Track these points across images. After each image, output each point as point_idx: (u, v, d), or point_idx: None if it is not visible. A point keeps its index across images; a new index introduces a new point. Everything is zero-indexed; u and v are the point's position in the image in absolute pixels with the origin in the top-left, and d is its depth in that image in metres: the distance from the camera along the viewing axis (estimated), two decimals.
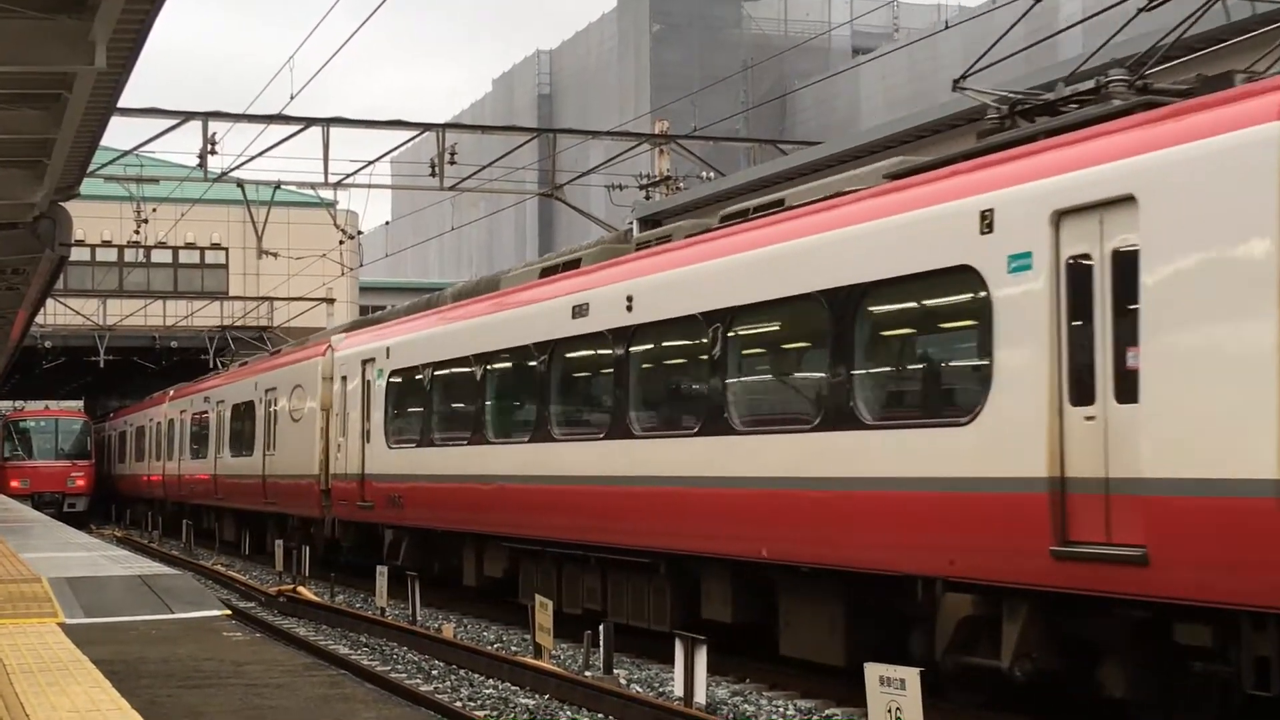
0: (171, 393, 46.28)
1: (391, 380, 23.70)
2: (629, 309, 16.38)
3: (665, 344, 16.00)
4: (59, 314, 51.44)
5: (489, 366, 20.05)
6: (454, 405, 21.43)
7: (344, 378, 26.11)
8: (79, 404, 79.64)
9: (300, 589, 24.47)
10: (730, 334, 14.65)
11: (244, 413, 34.34)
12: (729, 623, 14.93)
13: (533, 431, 18.47)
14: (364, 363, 25.04)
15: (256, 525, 34.25)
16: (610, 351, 16.79)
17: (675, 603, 15.84)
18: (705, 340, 14.96)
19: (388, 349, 24.05)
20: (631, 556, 16.20)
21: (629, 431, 16.23)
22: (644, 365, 16.44)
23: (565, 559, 18.04)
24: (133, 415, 55.46)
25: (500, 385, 19.97)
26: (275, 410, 31.07)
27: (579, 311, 17.51)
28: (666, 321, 15.77)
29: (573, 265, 19.02)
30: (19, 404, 77.78)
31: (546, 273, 19.79)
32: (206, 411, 38.92)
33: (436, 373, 21.88)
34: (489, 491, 19.54)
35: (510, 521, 19.04)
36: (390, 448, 23.50)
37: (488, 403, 20.06)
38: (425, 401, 22.16)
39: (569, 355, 18.00)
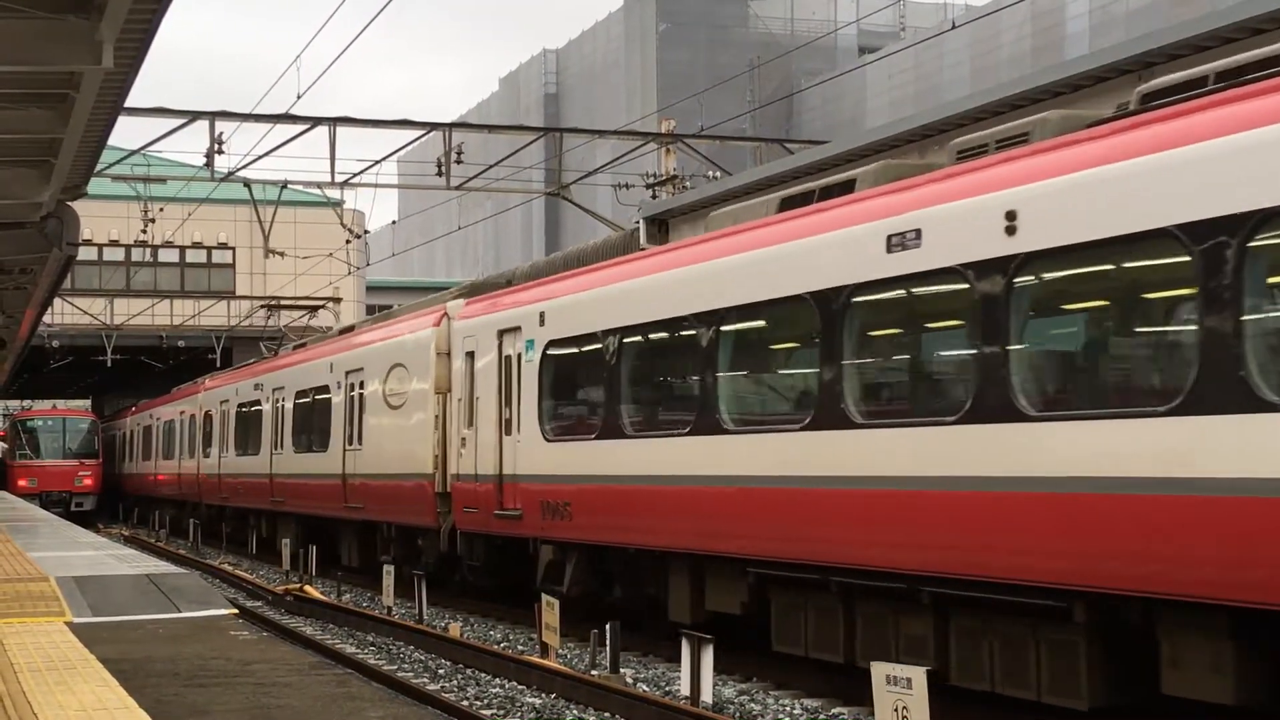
0: (208, 382, 41.52)
1: (550, 354, 18.52)
2: (1010, 230, 11.26)
3: (1079, 278, 11.00)
4: (66, 313, 51.53)
5: (727, 327, 14.84)
6: (661, 384, 16.46)
7: (470, 354, 20.99)
8: (86, 403, 79.77)
9: (307, 588, 24.49)
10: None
11: (314, 401, 29.10)
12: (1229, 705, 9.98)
13: (814, 414, 13.31)
14: (502, 334, 19.93)
15: (325, 533, 29.01)
16: (965, 293, 11.63)
17: (1100, 668, 10.91)
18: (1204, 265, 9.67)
19: (541, 314, 18.73)
20: (1012, 594, 11.19)
21: (1014, 411, 11.11)
22: (1038, 311, 11.34)
23: (861, 593, 13.14)
24: (156, 409, 50.37)
25: (746, 352, 14.89)
26: (361, 396, 25.90)
27: (900, 242, 12.46)
28: (1091, 246, 10.57)
29: (845, 188, 14.18)
30: (26, 403, 77.93)
31: (791, 204, 14.98)
32: (258, 402, 33.69)
33: (628, 341, 16.68)
34: (725, 497, 14.59)
35: (761, 535, 14.07)
36: (549, 440, 18.37)
37: (722, 377, 14.89)
38: (608, 380, 16.89)
39: (879, 303, 12.84)
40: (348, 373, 26.83)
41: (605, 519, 16.89)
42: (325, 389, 28.34)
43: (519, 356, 19.26)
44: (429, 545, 22.91)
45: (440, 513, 22.10)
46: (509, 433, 19.48)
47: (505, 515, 19.41)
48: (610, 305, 17.05)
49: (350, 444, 26.47)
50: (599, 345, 17.19)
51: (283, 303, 44.26)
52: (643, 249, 17.92)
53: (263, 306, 46.05)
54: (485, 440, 20.21)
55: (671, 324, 15.76)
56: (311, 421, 29.13)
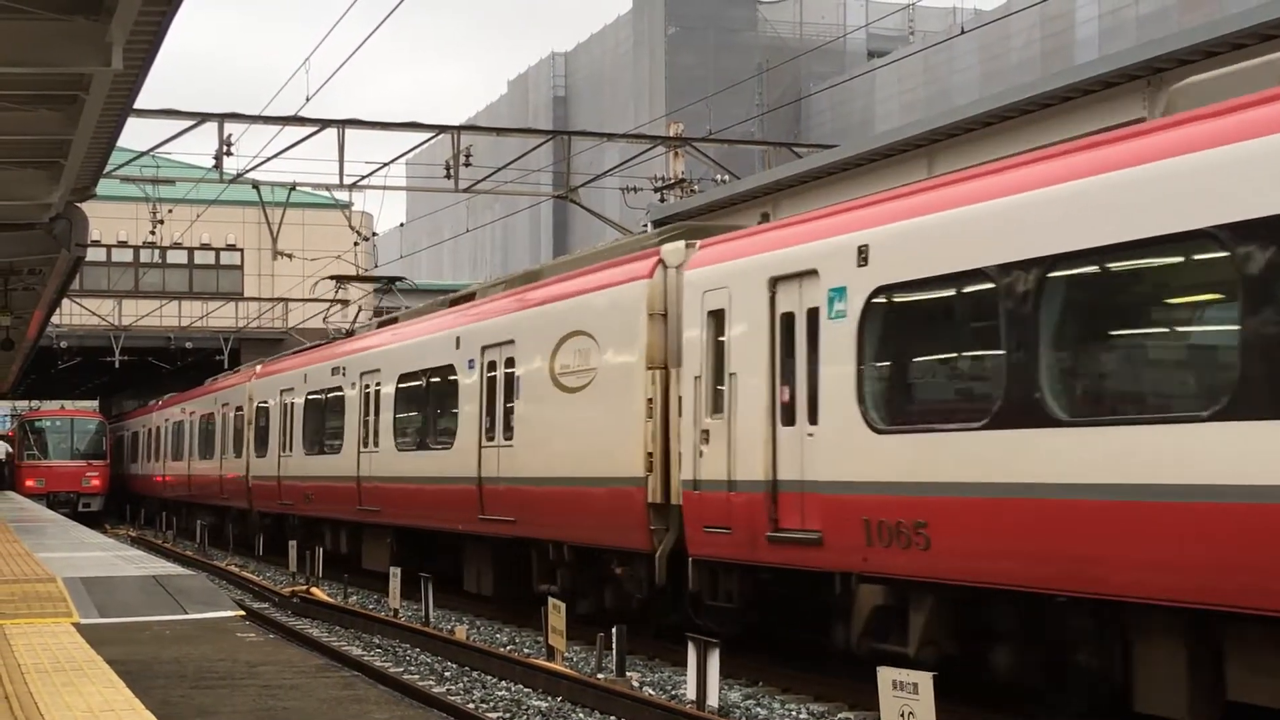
0: (260, 369, 35.93)
1: (881, 305, 13.01)
2: None
3: None
4: (75, 314, 51.61)
5: None
6: (1147, 339, 10.82)
7: (715, 313, 15.28)
8: (94, 404, 79.87)
9: (314, 590, 24.49)
10: None
11: (428, 385, 23.51)
12: None
13: None
14: (777, 283, 14.31)
15: (439, 552, 23.73)
16: None
17: None
18: None
19: (861, 249, 13.19)
20: None
21: None
22: None
23: None
24: (188, 403, 45.32)
25: None
26: (510, 377, 20.27)
27: None
28: None
29: None
30: (34, 404, 78.03)
31: None
32: (338, 389, 27.98)
33: (1078, 273, 11.03)
34: None
35: None
36: (880, 431, 12.84)
37: None
38: (1019, 337, 11.35)
39: None
40: (485, 348, 21.02)
41: (1002, 546, 11.41)
42: (447, 370, 22.44)
43: (814, 313, 13.70)
44: (634, 575, 16.97)
45: (656, 531, 16.19)
46: (790, 422, 14.00)
47: (788, 539, 13.84)
48: (1039, 221, 11.23)
49: (490, 439, 20.64)
50: (1000, 284, 11.46)
51: (342, 280, 38.30)
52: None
53: (331, 278, 39.38)
54: (746, 433, 14.54)
55: (1184, 241, 10.10)
56: (424, 411, 23.60)
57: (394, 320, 27.36)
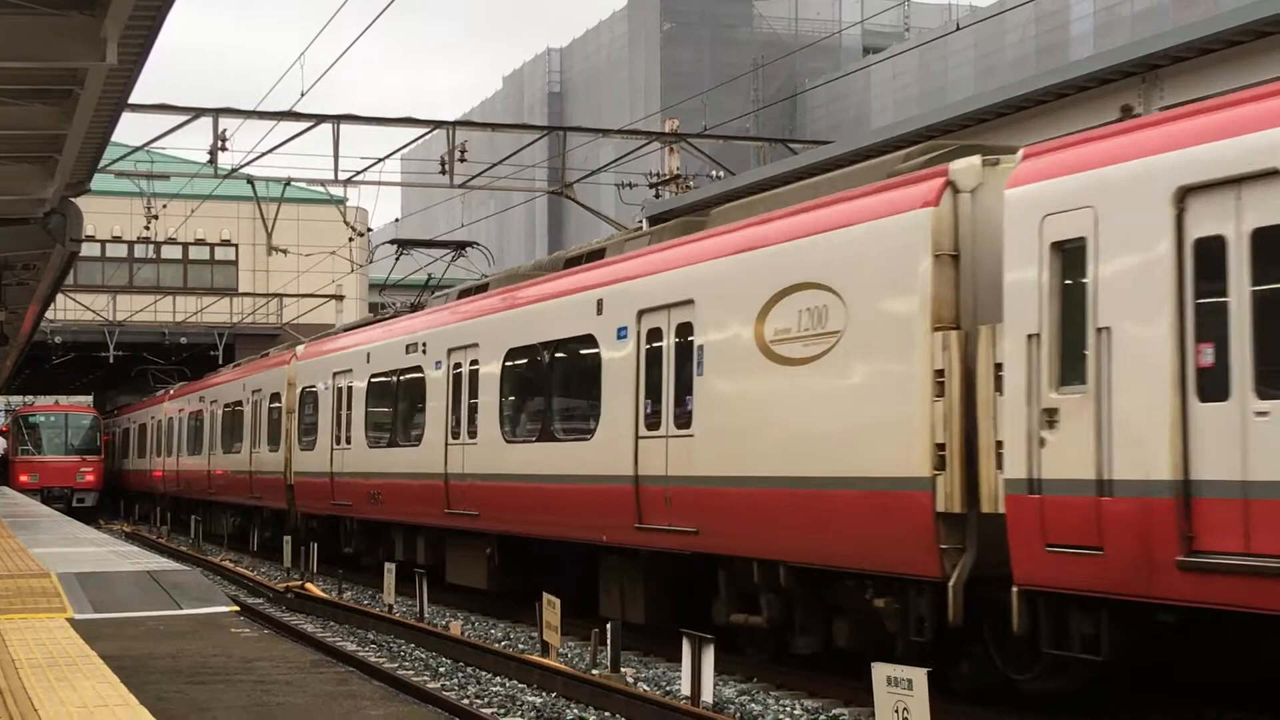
0: (302, 350, 31.17)
1: None
2: None
3: None
4: (69, 309, 51.56)
5: None
6: None
7: (1061, 245, 11.07)
8: (88, 399, 79.83)
9: (308, 585, 24.49)
10: None
11: (549, 363, 19.08)
12: None
13: None
14: (1185, 195, 10.17)
15: (561, 564, 19.48)
16: None
17: None
18: None
19: None
20: None
21: None
22: None
23: None
24: (208, 390, 40.93)
25: None
26: (688, 347, 15.67)
27: None
28: None
29: None
30: (29, 399, 77.98)
31: None
32: (416, 370, 23.42)
33: None
34: None
35: None
36: None
37: None
38: None
39: None
40: (644, 312, 16.53)
41: None
42: (583, 342, 18.01)
43: (1268, 235, 9.60)
44: (902, 608, 12.86)
45: (947, 551, 11.99)
46: (1217, 395, 9.82)
47: (1222, 565, 9.66)
48: None
49: (653, 427, 16.21)
50: None
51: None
52: None
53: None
54: (1133, 412, 10.39)
55: None
56: (545, 394, 19.21)
57: (481, 288, 22.56)
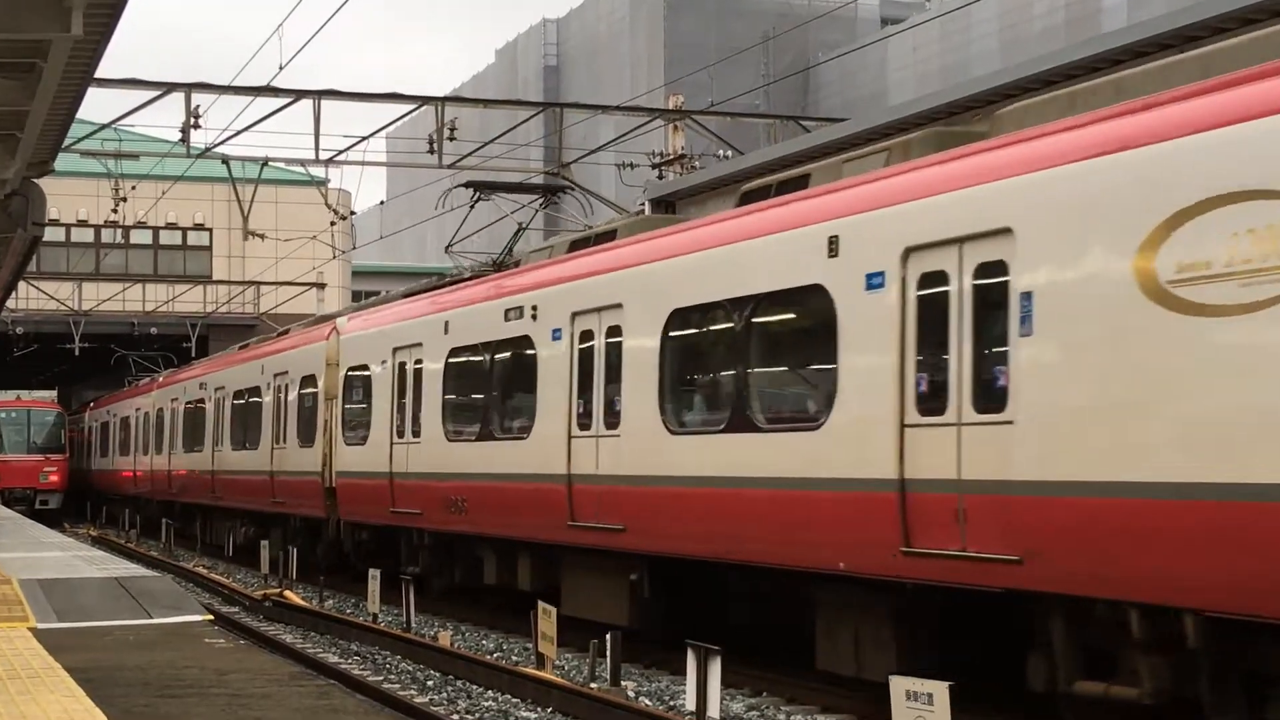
0: (347, 322, 26.91)
1: None
2: None
3: None
4: (31, 298, 51.60)
5: None
6: None
7: None
8: (52, 394, 79.89)
9: (287, 593, 24.50)
10: None
11: (745, 328, 14.83)
12: None
13: None
14: None
15: (711, 587, 16.53)
16: None
17: None
18: None
19: None
20: None
21: None
22: None
23: None
24: (201, 379, 37.77)
25: None
26: (994, 296, 11.78)
27: None
28: None
29: None
30: None
31: None
32: (514, 341, 19.53)
33: None
34: None
35: None
36: None
37: None
38: None
39: None
40: (914, 249, 12.54)
41: None
42: (806, 294, 13.84)
43: None
44: None
45: None
46: None
47: None
48: None
49: (932, 409, 12.27)
50: None
51: None
52: None
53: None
54: None
55: None
56: (738, 367, 14.90)
57: (606, 235, 19.00)
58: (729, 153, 32.28)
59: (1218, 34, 17.42)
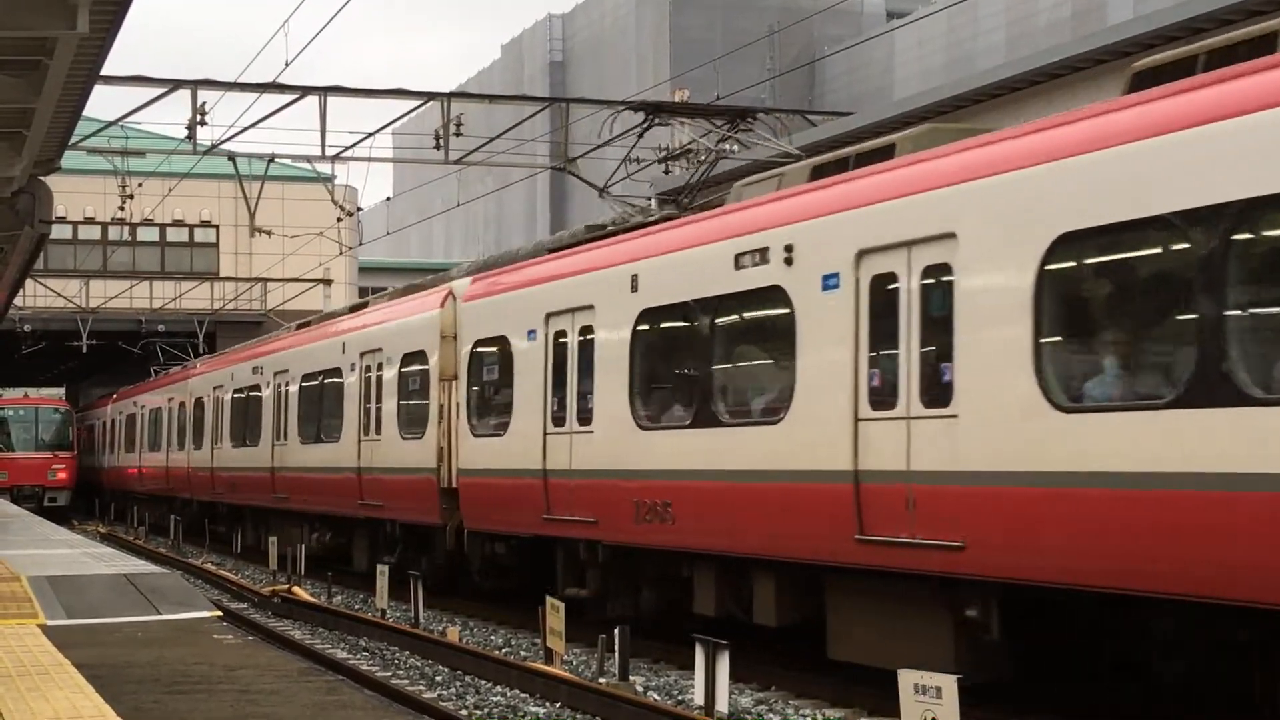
0: (471, 285, 22.14)
1: None
2: None
3: None
4: (39, 295, 51.62)
5: None
6: None
7: None
8: (60, 391, 79.98)
9: (295, 589, 24.52)
10: None
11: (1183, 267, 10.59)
12: None
13: None
14: None
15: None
16: None
17: None
18: None
19: None
20: None
21: None
22: None
23: None
24: (253, 362, 33.65)
25: None
26: None
27: None
28: None
29: None
30: None
31: None
32: (760, 297, 14.99)
33: None
34: None
35: None
36: None
37: None
38: None
39: None
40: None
41: None
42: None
43: None
44: None
45: None
46: None
47: None
48: None
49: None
50: None
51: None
52: None
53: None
54: None
55: None
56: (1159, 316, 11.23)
57: (882, 152, 14.36)
58: (735, 147, 32.24)
59: (1223, 26, 17.41)
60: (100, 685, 10.95)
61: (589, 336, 17.85)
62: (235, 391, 34.75)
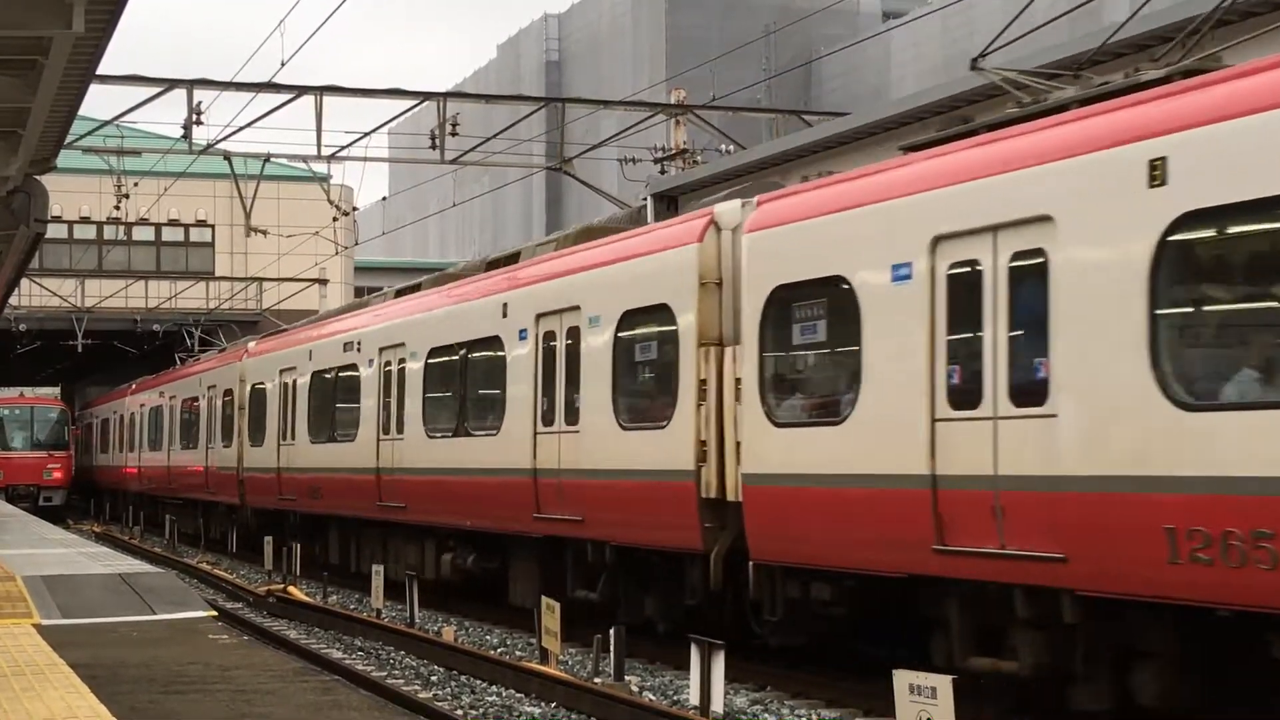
0: (746, 215, 15.41)
1: None
2: None
3: None
4: (34, 295, 51.56)
5: None
6: None
7: None
8: (55, 391, 79.93)
9: (291, 589, 24.51)
10: None
11: None
12: None
13: None
14: None
15: None
16: None
17: None
18: None
19: None
20: None
21: None
22: None
23: None
24: (353, 333, 26.00)
25: None
26: None
27: None
28: None
29: None
30: None
31: None
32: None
33: None
34: None
35: None
36: None
37: None
38: None
39: None
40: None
41: None
42: None
43: None
44: None
45: None
46: None
47: None
48: None
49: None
50: None
51: None
52: None
53: None
54: None
55: None
56: None
57: None
58: (731, 147, 32.27)
59: (1221, 26, 17.39)
60: (95, 685, 10.95)
61: (1037, 261, 11.51)
62: (316, 375, 27.82)
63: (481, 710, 14.21)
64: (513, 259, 21.24)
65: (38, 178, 19.87)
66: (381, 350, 24.25)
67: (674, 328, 16.03)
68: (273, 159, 33.15)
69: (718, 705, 12.82)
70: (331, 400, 26.82)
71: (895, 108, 24.41)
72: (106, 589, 17.38)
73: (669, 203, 29.52)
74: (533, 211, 78.03)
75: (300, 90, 29.49)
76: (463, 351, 21.32)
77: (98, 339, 53.77)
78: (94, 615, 15.68)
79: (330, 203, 38.13)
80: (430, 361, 22.34)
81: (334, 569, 21.31)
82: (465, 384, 21.26)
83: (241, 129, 30.28)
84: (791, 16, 56.20)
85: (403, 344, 23.37)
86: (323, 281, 52.96)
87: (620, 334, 17.13)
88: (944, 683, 9.46)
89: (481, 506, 20.18)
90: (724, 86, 37.83)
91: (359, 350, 25.38)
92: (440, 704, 14.25)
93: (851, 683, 14.26)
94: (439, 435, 21.84)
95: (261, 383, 31.41)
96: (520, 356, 19.25)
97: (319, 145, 30.51)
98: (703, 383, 15.47)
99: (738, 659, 14.50)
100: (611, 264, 17.63)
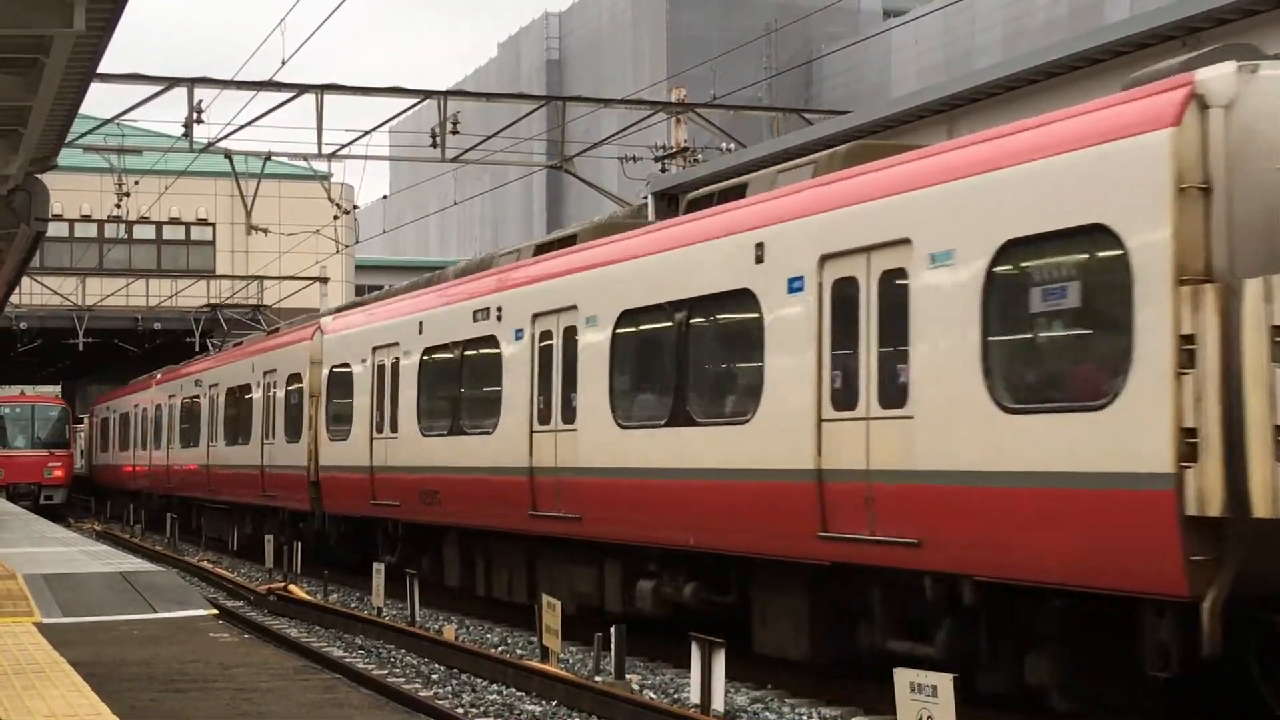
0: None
1: None
2: None
3: None
4: (35, 293, 51.59)
5: None
6: None
7: None
8: (56, 389, 79.98)
9: (292, 587, 24.52)
10: None
11: None
12: None
13: None
14: None
15: None
16: None
17: None
18: None
19: None
20: None
21: None
22: None
23: None
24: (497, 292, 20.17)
25: None
26: None
27: None
28: None
29: None
30: None
31: None
32: None
33: None
34: None
35: None
36: None
37: None
38: None
39: None
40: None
41: None
42: None
43: None
44: None
45: None
46: None
47: None
48: None
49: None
50: None
51: None
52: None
53: None
54: None
55: None
56: None
57: None
58: (732, 145, 32.28)
59: (1220, 25, 17.40)
60: (96, 683, 10.95)
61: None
62: (429, 353, 22.19)
63: (482, 708, 14.21)
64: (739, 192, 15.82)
65: (38, 176, 19.87)
66: (536, 317, 18.70)
67: (1121, 254, 10.40)
68: (273, 157, 33.17)
69: (718, 703, 12.82)
70: (456, 383, 21.24)
71: (896, 106, 24.42)
72: (107, 587, 17.39)
73: (670, 201, 29.50)
74: (533, 210, 78.03)
75: (301, 89, 29.50)
76: (682, 314, 15.60)
77: (99, 337, 53.79)
78: (95, 614, 15.70)
79: (331, 201, 38.17)
80: (619, 331, 16.75)
81: (450, 592, 18.10)
82: (686, 355, 15.55)
83: (242, 127, 30.33)
84: (792, 15, 56.18)
85: (573, 307, 17.79)
86: (324, 280, 52.99)
87: (995, 269, 11.47)
88: (945, 681, 9.46)
89: (717, 519, 14.80)
90: (725, 85, 37.85)
91: (498, 318, 19.88)
92: (441, 702, 14.25)
93: (852, 681, 14.25)
94: (639, 425, 16.30)
95: (345, 364, 25.62)
96: (790, 317, 13.74)
97: (320, 143, 30.54)
98: (1186, 340, 9.90)
99: (739, 658, 14.50)
100: (832, 208, 13.36)
